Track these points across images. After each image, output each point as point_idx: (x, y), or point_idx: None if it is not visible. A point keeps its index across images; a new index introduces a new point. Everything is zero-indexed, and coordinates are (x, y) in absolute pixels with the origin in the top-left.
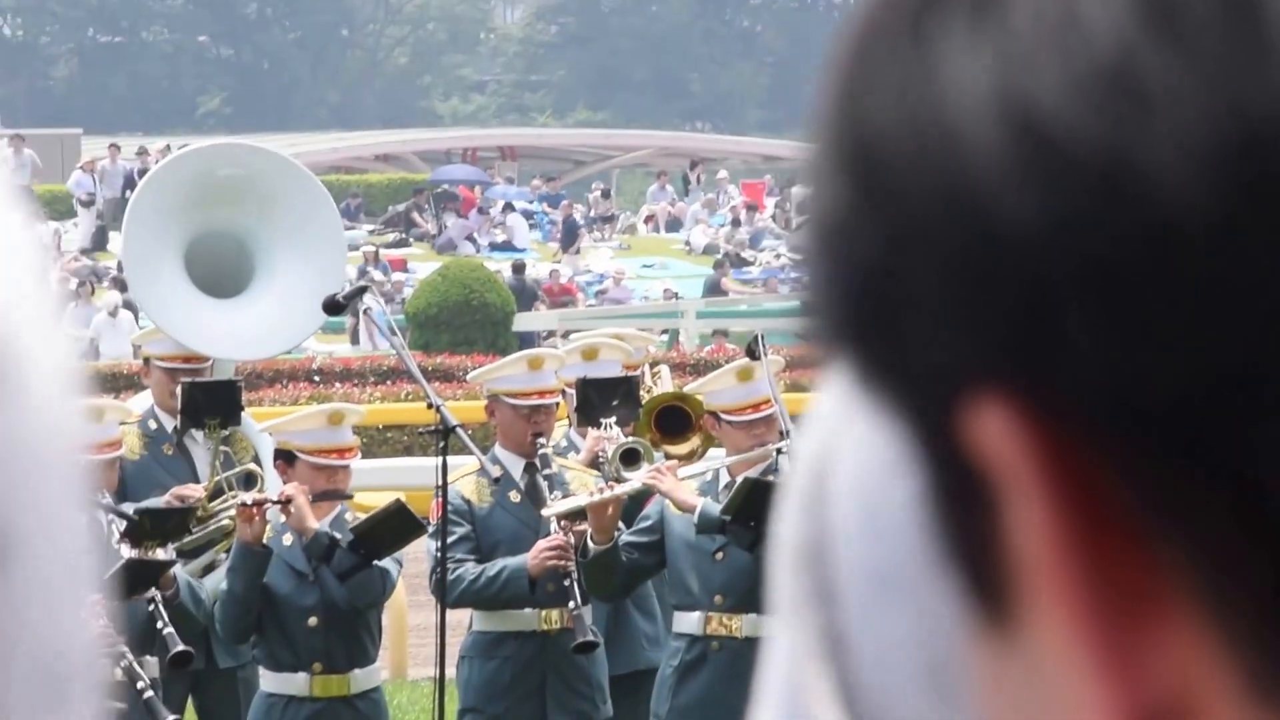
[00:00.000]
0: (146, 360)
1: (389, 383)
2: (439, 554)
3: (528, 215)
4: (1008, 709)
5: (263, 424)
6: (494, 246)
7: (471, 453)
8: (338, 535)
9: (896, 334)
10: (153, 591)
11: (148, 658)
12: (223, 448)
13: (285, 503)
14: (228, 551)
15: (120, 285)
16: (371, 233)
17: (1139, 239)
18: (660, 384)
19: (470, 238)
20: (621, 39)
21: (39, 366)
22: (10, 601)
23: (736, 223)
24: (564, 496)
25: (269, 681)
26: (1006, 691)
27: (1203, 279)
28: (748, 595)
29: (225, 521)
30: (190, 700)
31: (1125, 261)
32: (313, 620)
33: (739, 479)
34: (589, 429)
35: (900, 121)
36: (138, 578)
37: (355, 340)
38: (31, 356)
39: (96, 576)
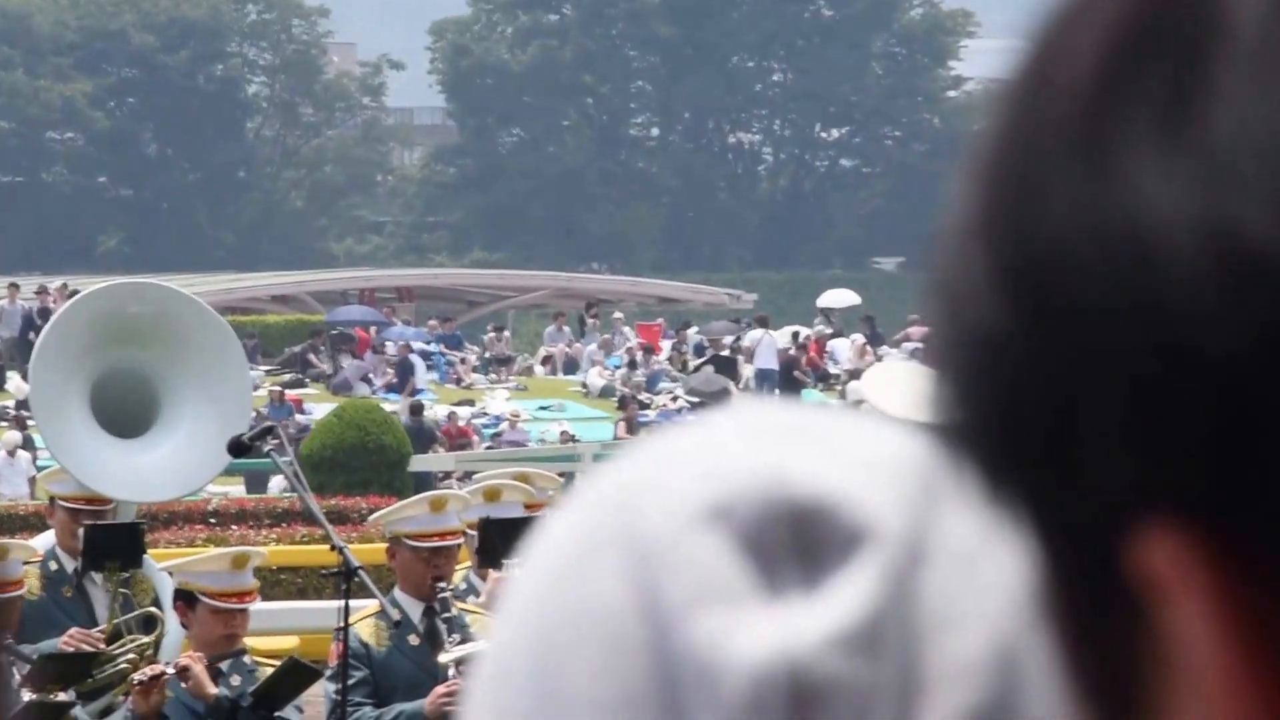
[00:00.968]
0: (51, 500)
1: (285, 524)
2: (337, 696)
3: (425, 357)
4: None
5: (165, 563)
6: (389, 387)
7: (372, 595)
8: (237, 698)
9: (1067, 459)
10: None
11: None
12: (122, 590)
13: (182, 672)
14: (126, 694)
15: (19, 424)
16: (268, 373)
17: None
18: None
19: (366, 378)
20: (518, 180)
21: None
22: None
23: (633, 364)
24: (463, 640)
25: None
26: None
27: None
28: None
29: (124, 665)
30: None
31: None
32: None
33: None
34: (490, 571)
35: (1081, 236)
36: None
37: (252, 485)
38: None
39: None
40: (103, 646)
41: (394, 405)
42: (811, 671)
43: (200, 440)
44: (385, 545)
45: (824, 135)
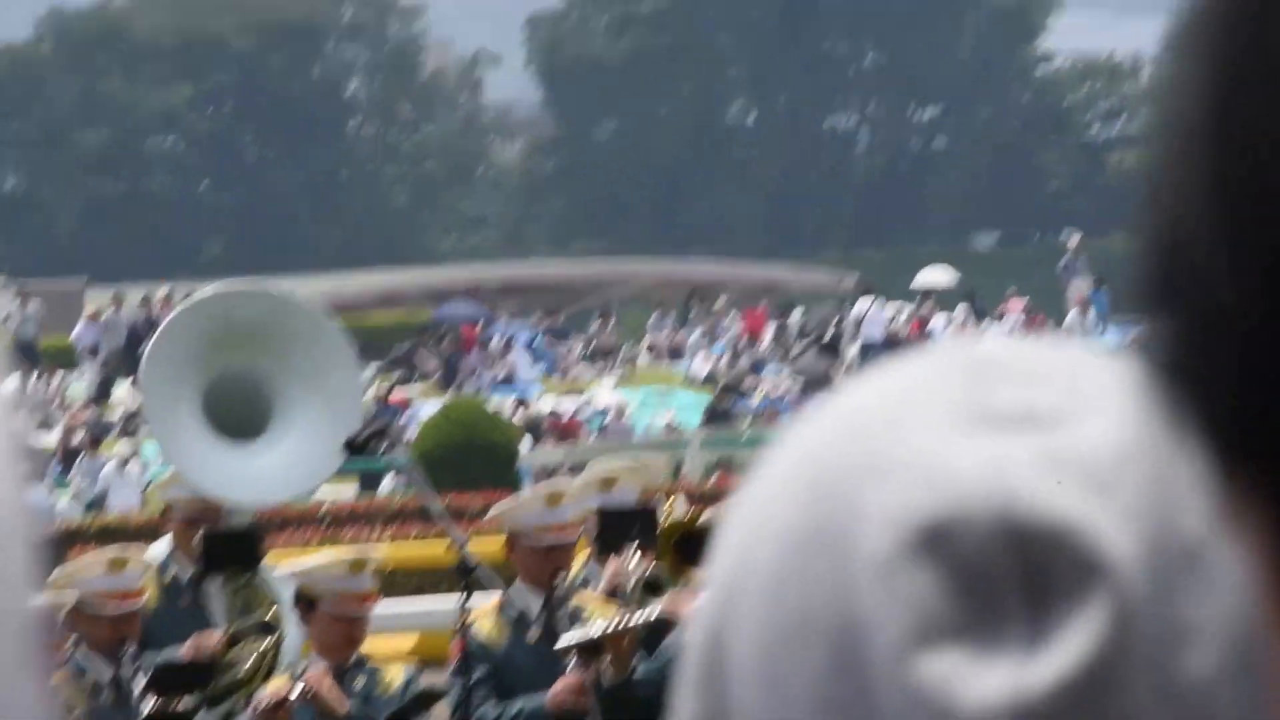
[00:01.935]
0: (166, 507)
1: (398, 524)
2: (460, 695)
3: (530, 349)
4: None
5: (283, 566)
6: (497, 383)
7: (490, 590)
8: (367, 716)
9: None
10: None
11: None
12: (240, 596)
13: (307, 694)
14: (246, 700)
15: (128, 435)
16: (377, 373)
17: None
18: (673, 516)
19: (473, 375)
20: (617, 170)
21: None
22: None
23: (737, 351)
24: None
25: None
26: None
27: None
28: None
29: (244, 672)
30: None
31: None
32: None
33: None
34: (609, 559)
35: None
36: None
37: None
38: None
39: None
40: (221, 649)
41: (501, 401)
42: None
43: (313, 442)
44: (501, 539)
45: (916, 115)
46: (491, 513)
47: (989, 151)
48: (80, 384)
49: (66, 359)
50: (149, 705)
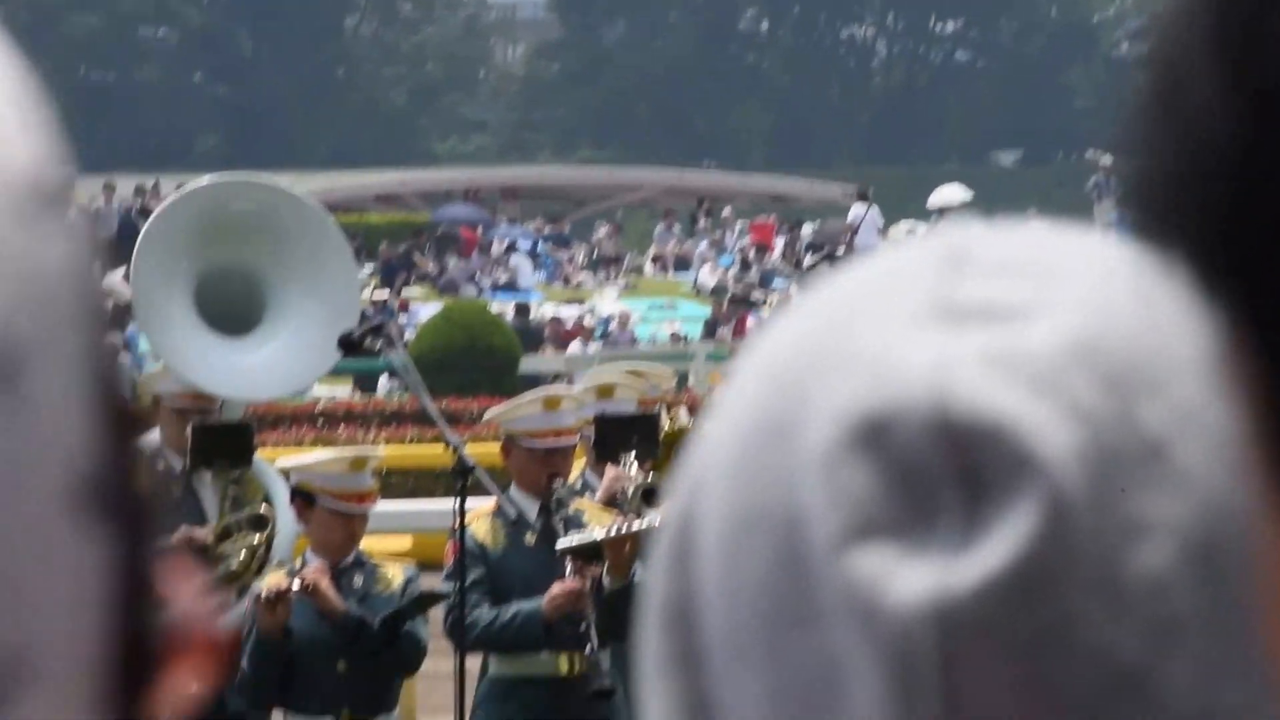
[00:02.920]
0: (155, 400)
1: (394, 425)
2: (455, 598)
3: (533, 256)
4: None
5: (281, 462)
6: (497, 288)
7: (489, 493)
8: (365, 615)
9: None
10: None
11: None
12: (232, 489)
13: (307, 588)
14: (238, 594)
15: (119, 325)
16: (373, 273)
17: None
18: (677, 425)
19: (473, 279)
20: (624, 75)
21: (25, 179)
22: (23, 418)
23: (745, 263)
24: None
25: None
26: None
27: None
28: None
29: (235, 565)
30: None
31: None
32: (341, 665)
33: None
34: (607, 466)
35: None
36: None
37: (362, 385)
38: (22, 169)
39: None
40: (211, 542)
41: (502, 306)
42: (963, 622)
43: (307, 338)
44: (498, 445)
45: (938, 28)
46: (488, 415)
47: (1012, 68)
48: None
49: None
50: None
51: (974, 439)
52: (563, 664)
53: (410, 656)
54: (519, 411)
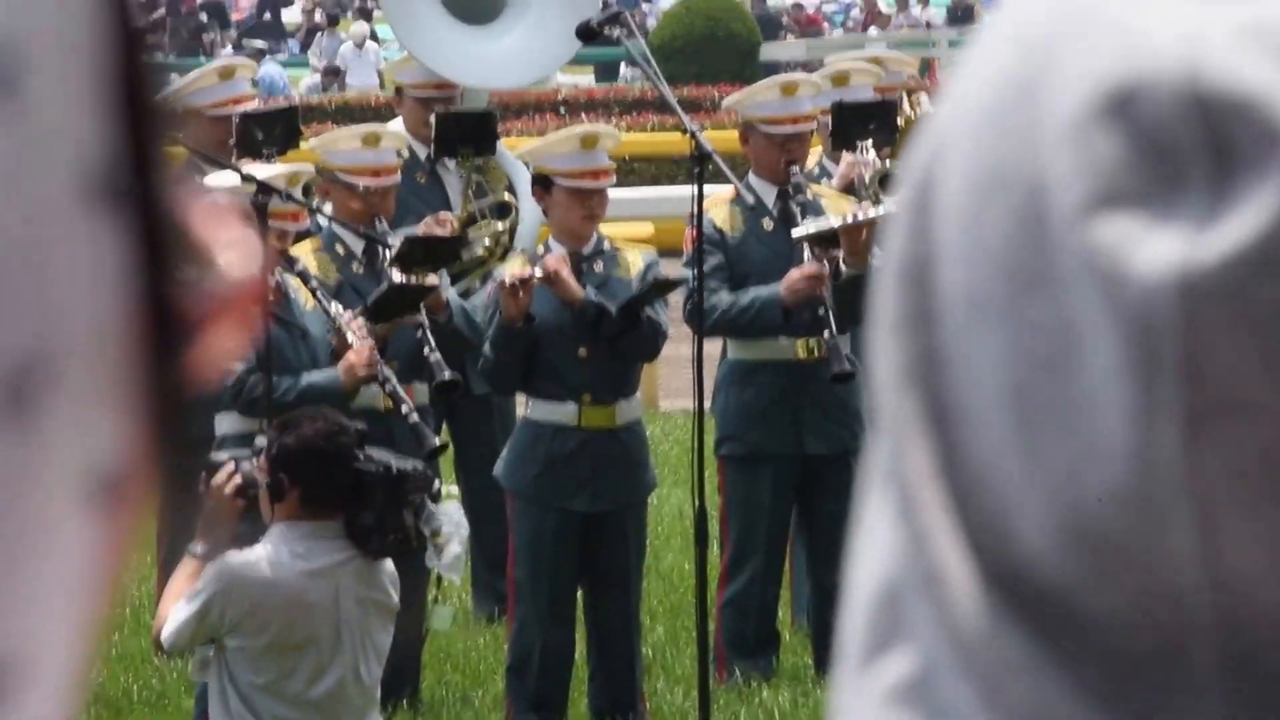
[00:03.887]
0: (399, 89)
1: (635, 113)
2: (694, 282)
3: None
4: None
5: (517, 150)
6: None
7: (727, 180)
8: (604, 302)
9: None
10: (421, 318)
11: (417, 383)
12: (476, 177)
13: (548, 279)
14: (481, 280)
15: (366, 15)
16: None
17: None
18: (920, 112)
19: None
20: None
21: None
22: (27, 119)
23: None
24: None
25: (536, 410)
26: None
27: None
28: None
29: (480, 251)
30: (445, 424)
31: None
32: (582, 351)
33: None
34: (844, 154)
35: None
36: (403, 302)
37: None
38: None
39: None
40: (457, 227)
41: None
42: (1208, 291)
43: (548, 26)
44: (738, 131)
45: None
46: (726, 102)
47: None
48: None
49: None
50: (394, 277)
51: (1224, 111)
52: (800, 349)
53: (649, 342)
54: (756, 97)
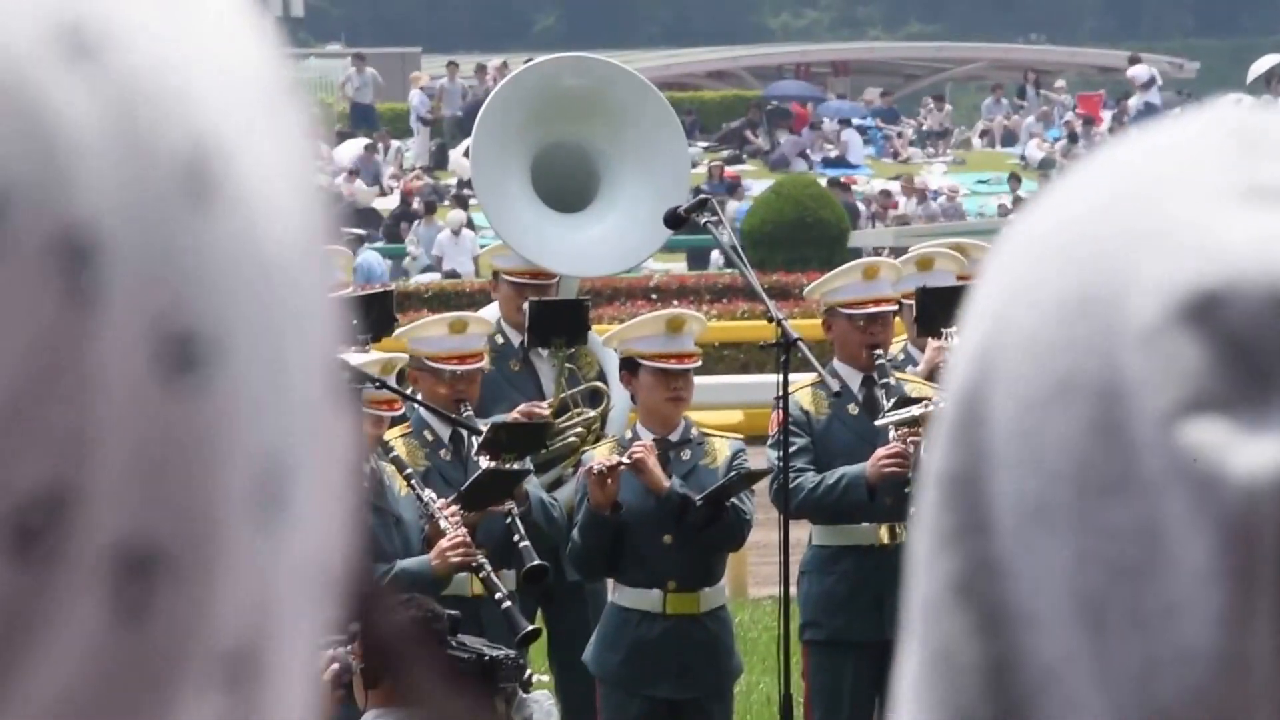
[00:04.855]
0: (495, 274)
1: (725, 300)
2: (779, 463)
3: (862, 131)
4: None
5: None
6: (827, 163)
7: (812, 367)
8: (688, 493)
9: None
10: (510, 505)
11: (505, 570)
12: (568, 365)
13: (634, 466)
14: (574, 468)
15: (462, 203)
16: (706, 149)
17: None
18: None
19: (803, 154)
20: None
21: (259, 172)
22: (218, 410)
23: (1073, 137)
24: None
25: (622, 596)
26: None
27: None
28: None
29: (571, 439)
30: (540, 612)
31: None
32: (667, 538)
33: None
34: (928, 340)
35: None
36: (494, 488)
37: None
38: (250, 162)
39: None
40: (550, 416)
41: (830, 181)
42: None
43: (639, 215)
44: (820, 318)
45: None
46: (809, 289)
47: None
48: (414, 150)
49: (402, 125)
50: (482, 463)
51: None
52: (883, 533)
53: (734, 531)
54: (838, 281)
